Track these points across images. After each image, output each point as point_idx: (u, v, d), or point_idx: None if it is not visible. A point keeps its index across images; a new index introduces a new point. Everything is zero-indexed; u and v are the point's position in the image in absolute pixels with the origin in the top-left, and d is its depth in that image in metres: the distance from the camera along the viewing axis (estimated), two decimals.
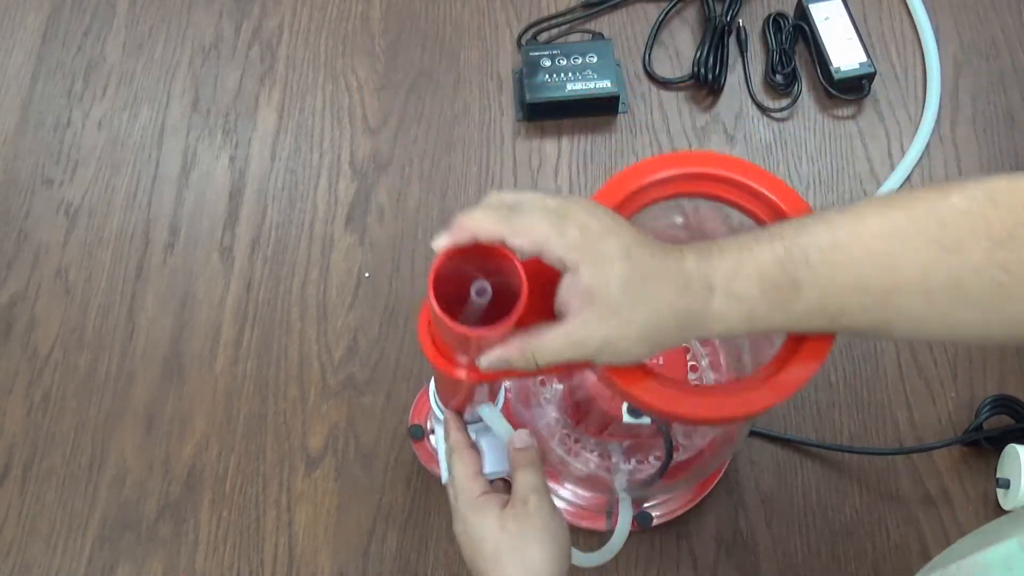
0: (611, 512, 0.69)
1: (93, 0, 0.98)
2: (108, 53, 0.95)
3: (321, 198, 0.88)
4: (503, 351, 0.45)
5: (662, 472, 0.60)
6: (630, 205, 0.52)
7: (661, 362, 0.58)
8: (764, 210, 0.52)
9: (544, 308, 0.45)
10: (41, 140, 0.91)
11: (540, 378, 0.67)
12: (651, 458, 0.65)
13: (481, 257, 0.44)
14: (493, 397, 0.59)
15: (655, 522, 0.72)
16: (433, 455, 0.72)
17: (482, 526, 0.53)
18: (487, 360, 0.45)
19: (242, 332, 0.82)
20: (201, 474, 0.78)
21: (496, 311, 0.44)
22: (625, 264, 0.42)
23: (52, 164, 0.90)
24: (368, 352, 0.82)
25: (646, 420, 0.58)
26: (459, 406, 0.59)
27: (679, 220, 0.60)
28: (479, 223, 0.43)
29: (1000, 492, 0.75)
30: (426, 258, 0.85)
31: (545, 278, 0.44)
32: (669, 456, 0.59)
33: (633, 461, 0.65)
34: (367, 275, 0.85)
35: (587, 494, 0.74)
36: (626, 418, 0.58)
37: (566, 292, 0.44)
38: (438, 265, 0.43)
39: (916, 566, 0.74)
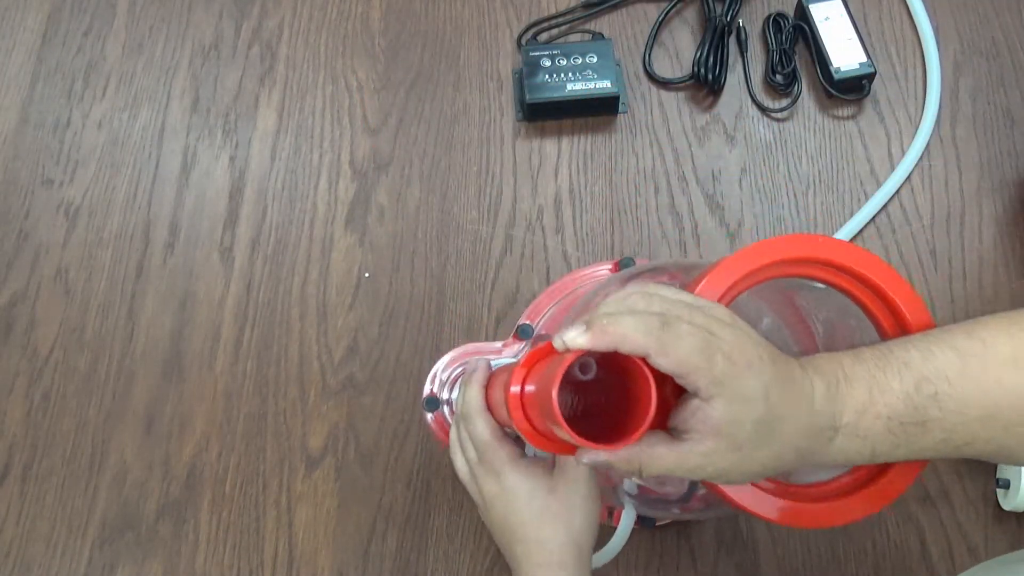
0: (613, 509, 0.69)
1: (93, 0, 0.98)
2: (108, 53, 0.95)
3: (321, 198, 0.88)
4: (610, 455, 0.42)
5: (690, 495, 0.59)
6: (748, 280, 0.50)
7: None
8: (881, 310, 0.50)
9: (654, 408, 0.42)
10: (41, 140, 0.91)
11: None
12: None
13: (609, 362, 0.42)
14: None
15: (659, 523, 0.72)
16: (446, 428, 0.72)
17: (531, 487, 0.53)
18: (590, 458, 0.43)
19: (242, 332, 0.82)
20: (201, 474, 0.78)
21: (592, 397, 0.43)
22: (762, 407, 0.41)
23: (52, 164, 0.90)
24: (368, 352, 0.82)
25: None
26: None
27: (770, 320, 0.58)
28: (627, 335, 0.40)
29: (1000, 492, 0.75)
30: (427, 257, 0.85)
31: (659, 378, 0.41)
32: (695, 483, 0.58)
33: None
34: (367, 275, 0.85)
35: None
36: None
37: (692, 416, 0.41)
38: (566, 369, 0.40)
39: (916, 566, 0.74)
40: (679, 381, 0.41)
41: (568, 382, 0.42)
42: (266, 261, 0.85)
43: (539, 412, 0.45)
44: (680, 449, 0.42)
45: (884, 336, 0.50)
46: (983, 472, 0.77)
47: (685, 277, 0.60)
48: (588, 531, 0.53)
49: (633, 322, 0.40)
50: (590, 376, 0.43)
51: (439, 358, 0.73)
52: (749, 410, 0.41)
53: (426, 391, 0.71)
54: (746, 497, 0.46)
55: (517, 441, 0.56)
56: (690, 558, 0.74)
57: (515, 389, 0.47)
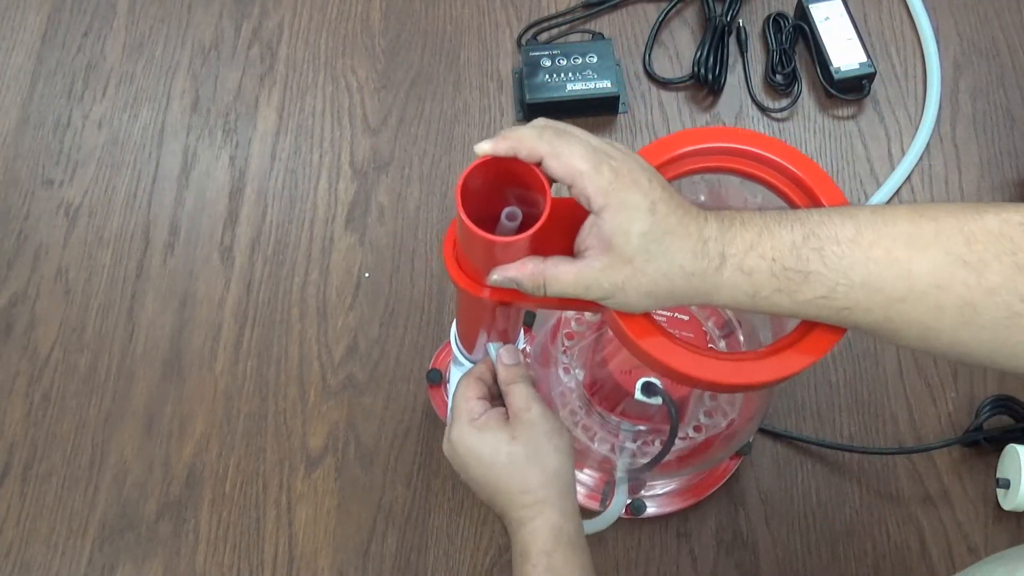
0: (606, 498, 0.69)
1: (93, 0, 0.98)
2: (108, 53, 0.95)
3: (321, 198, 0.88)
4: (516, 270, 0.46)
5: (664, 453, 0.60)
6: (668, 170, 0.52)
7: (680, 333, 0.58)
8: (802, 198, 0.52)
9: (566, 247, 0.47)
10: (41, 140, 0.91)
11: (562, 344, 0.67)
12: (657, 441, 0.65)
13: (512, 176, 0.45)
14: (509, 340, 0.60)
15: (650, 512, 0.73)
16: (446, 401, 0.73)
17: (493, 442, 0.54)
18: (499, 274, 0.47)
19: (242, 332, 0.82)
20: (201, 474, 0.78)
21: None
22: (648, 218, 0.43)
23: (52, 164, 0.90)
24: (368, 352, 0.82)
25: (657, 400, 0.58)
26: (473, 340, 0.59)
27: (702, 198, 0.59)
28: (523, 137, 0.44)
29: (1000, 492, 0.75)
30: (426, 257, 0.85)
31: (573, 219, 0.46)
32: (673, 435, 0.59)
33: (640, 442, 0.65)
34: (367, 275, 0.85)
35: (584, 476, 0.74)
36: (638, 395, 0.58)
37: (587, 233, 0.45)
38: (469, 172, 0.44)
39: (916, 566, 0.74)
40: (572, 193, 0.44)
41: (501, 232, 0.46)
42: (266, 261, 0.85)
43: (464, 244, 0.48)
44: (578, 265, 0.45)
45: None
46: (983, 472, 0.77)
47: None
48: (563, 465, 0.54)
49: (530, 131, 0.45)
50: (515, 224, 0.46)
51: (443, 342, 0.73)
52: (635, 221, 0.43)
53: (432, 364, 0.72)
54: (681, 360, 0.47)
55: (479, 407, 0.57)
56: (690, 558, 0.74)
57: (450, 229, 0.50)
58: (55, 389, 0.81)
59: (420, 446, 0.78)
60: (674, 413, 0.58)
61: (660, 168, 0.51)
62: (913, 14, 0.95)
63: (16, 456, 0.78)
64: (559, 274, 0.46)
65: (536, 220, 0.45)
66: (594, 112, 0.91)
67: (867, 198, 0.87)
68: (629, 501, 0.71)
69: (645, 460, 0.65)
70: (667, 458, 0.61)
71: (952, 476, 0.77)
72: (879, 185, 0.87)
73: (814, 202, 0.51)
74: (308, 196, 0.88)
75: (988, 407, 0.77)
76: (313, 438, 0.79)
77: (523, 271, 0.46)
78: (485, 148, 0.44)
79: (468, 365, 0.62)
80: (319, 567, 0.74)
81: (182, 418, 0.79)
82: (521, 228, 0.46)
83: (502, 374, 0.57)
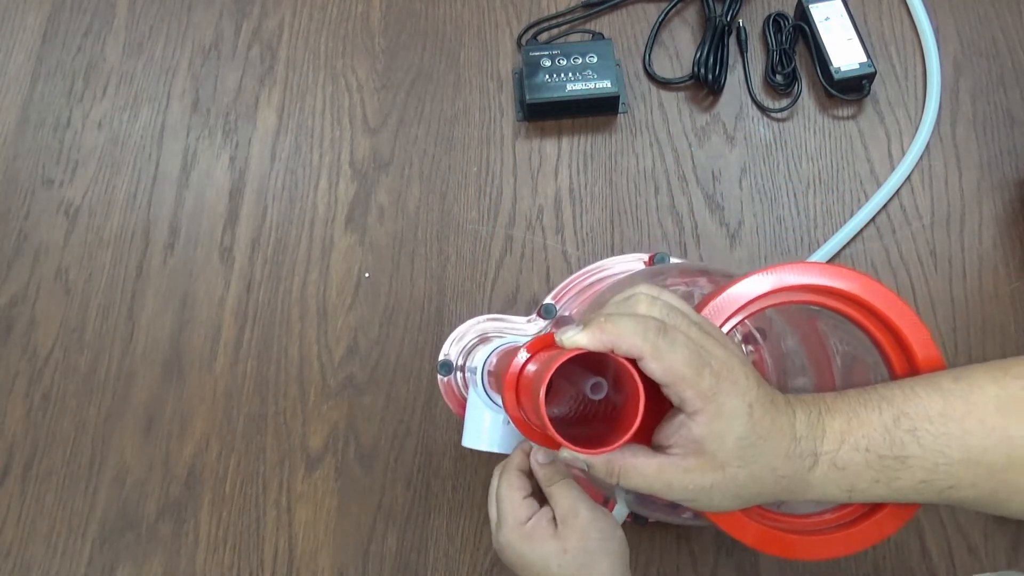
0: (608, 500, 0.69)
1: (93, 0, 0.98)
2: (108, 53, 0.96)
3: (321, 198, 0.88)
4: (589, 458, 0.43)
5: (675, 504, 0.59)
6: (755, 304, 0.49)
7: None
8: (891, 345, 0.50)
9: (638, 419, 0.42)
10: (41, 140, 0.91)
11: None
12: None
13: (597, 365, 0.42)
14: None
15: (650, 519, 0.72)
16: (457, 394, 0.72)
17: (542, 552, 0.52)
18: (569, 456, 0.42)
19: (242, 332, 0.82)
20: (201, 474, 0.78)
21: (594, 406, 0.43)
22: (745, 424, 0.41)
23: (52, 164, 0.90)
24: (368, 352, 0.82)
25: None
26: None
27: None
28: (623, 334, 0.40)
29: None
30: (426, 257, 0.85)
31: (648, 391, 0.41)
32: None
33: None
34: (367, 275, 0.85)
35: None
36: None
37: (673, 430, 0.42)
38: (559, 366, 0.40)
39: (916, 566, 0.74)
40: (666, 391, 0.41)
41: (579, 392, 0.43)
42: (266, 261, 0.85)
43: (530, 401, 0.45)
44: (661, 460, 0.42)
45: (894, 377, 0.49)
46: None
47: (712, 284, 0.60)
48: (620, 568, 0.52)
49: (632, 324, 0.40)
50: (600, 396, 0.43)
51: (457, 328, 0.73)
52: (732, 427, 0.41)
53: (443, 355, 0.72)
54: (726, 519, 0.45)
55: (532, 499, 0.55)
56: (690, 559, 0.74)
57: (514, 370, 0.47)
58: (55, 389, 0.81)
59: (420, 446, 0.78)
60: None
61: (753, 302, 0.48)
62: (913, 14, 0.95)
63: (16, 456, 0.78)
64: (638, 466, 0.42)
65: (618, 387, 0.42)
66: (594, 112, 0.91)
67: (867, 198, 0.87)
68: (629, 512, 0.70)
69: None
70: None
71: None
72: (879, 185, 0.87)
73: (906, 352, 0.48)
74: (308, 196, 0.88)
75: None
76: (313, 438, 0.79)
77: (597, 461, 0.43)
78: (580, 342, 0.40)
79: (485, 397, 0.61)
80: (319, 567, 0.74)
81: (182, 418, 0.79)
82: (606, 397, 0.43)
83: (539, 474, 0.54)
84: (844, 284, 0.48)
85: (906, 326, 0.48)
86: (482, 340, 0.71)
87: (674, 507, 0.60)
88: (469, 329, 0.72)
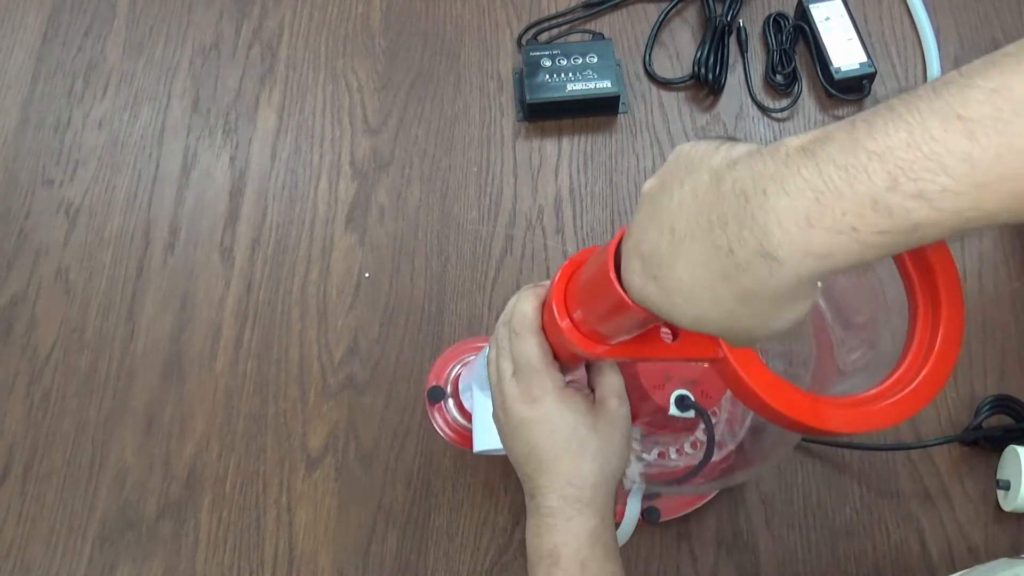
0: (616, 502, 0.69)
1: (93, 0, 0.98)
2: (108, 53, 0.95)
3: (321, 198, 0.88)
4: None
5: (702, 465, 0.58)
6: None
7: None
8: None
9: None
10: (41, 140, 0.91)
11: None
12: (672, 452, 0.65)
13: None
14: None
15: (662, 518, 0.72)
16: (449, 420, 0.72)
17: (573, 420, 0.50)
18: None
19: (242, 332, 0.82)
20: (201, 474, 0.78)
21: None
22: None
23: (52, 164, 0.90)
24: (368, 352, 0.82)
25: (690, 414, 0.56)
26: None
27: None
28: None
29: (1000, 494, 0.75)
30: (427, 257, 0.85)
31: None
32: (711, 448, 0.57)
33: (655, 452, 0.65)
34: (367, 275, 0.85)
35: None
36: (672, 410, 0.56)
37: None
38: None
39: (916, 566, 0.74)
40: None
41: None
42: (266, 261, 0.85)
43: (592, 296, 0.43)
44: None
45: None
46: (983, 472, 0.77)
47: None
48: (619, 471, 0.51)
49: None
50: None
51: (439, 358, 0.73)
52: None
53: (430, 383, 0.71)
54: (779, 399, 0.44)
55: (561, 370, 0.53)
56: (690, 558, 0.74)
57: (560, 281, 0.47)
58: (55, 389, 0.81)
59: (420, 446, 0.78)
60: (711, 426, 0.56)
61: None
62: (913, 14, 0.95)
63: (16, 456, 0.78)
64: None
65: None
66: (594, 112, 0.91)
67: None
68: (644, 509, 0.70)
69: (657, 470, 0.64)
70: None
71: (952, 476, 0.77)
72: None
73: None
74: (308, 196, 0.88)
75: (988, 406, 0.77)
76: (313, 438, 0.79)
77: None
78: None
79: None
80: (319, 567, 0.74)
81: (182, 418, 0.79)
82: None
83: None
84: None
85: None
86: (468, 365, 0.71)
87: (693, 475, 0.59)
88: (448, 357, 0.72)
